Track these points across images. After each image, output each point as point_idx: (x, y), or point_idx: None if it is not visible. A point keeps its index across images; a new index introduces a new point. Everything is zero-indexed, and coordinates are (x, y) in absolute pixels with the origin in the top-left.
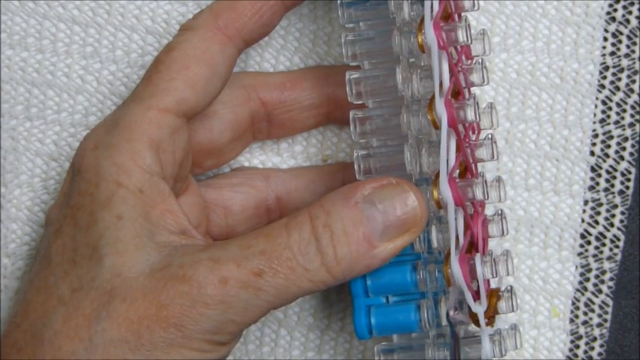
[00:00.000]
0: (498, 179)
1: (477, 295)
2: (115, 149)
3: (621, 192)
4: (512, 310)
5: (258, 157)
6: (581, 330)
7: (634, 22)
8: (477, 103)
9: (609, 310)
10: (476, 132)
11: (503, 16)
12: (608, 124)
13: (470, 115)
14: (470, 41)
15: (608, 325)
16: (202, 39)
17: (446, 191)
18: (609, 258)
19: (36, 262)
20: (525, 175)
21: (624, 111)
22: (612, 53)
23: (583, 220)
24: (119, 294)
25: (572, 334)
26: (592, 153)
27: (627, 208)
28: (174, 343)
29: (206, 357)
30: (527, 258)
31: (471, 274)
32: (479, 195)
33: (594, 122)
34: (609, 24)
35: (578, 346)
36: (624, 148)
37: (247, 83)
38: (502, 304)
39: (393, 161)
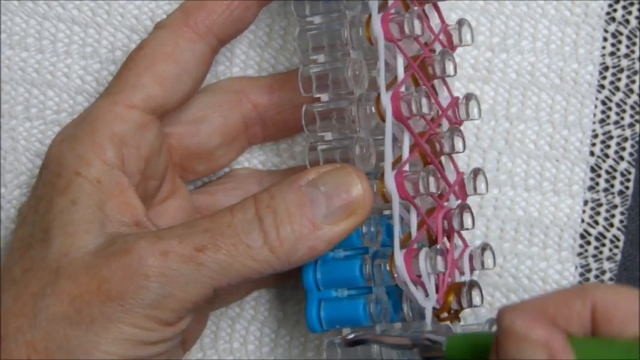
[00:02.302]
0: (475, 172)
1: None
2: (78, 141)
3: (621, 192)
4: (470, 305)
5: (258, 157)
6: None
7: (634, 22)
8: (428, 94)
9: None
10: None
11: (503, 17)
12: (608, 124)
13: (417, 107)
14: (421, 33)
15: None
16: (172, 37)
17: (390, 185)
18: (609, 258)
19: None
20: (525, 175)
21: (624, 111)
22: (612, 53)
23: (583, 221)
24: (64, 272)
25: None
26: (592, 153)
27: (627, 209)
28: (114, 318)
29: (148, 336)
30: (527, 258)
31: (432, 268)
32: (432, 188)
33: (594, 122)
34: (609, 24)
35: None
36: (624, 149)
37: (238, 88)
38: (468, 299)
39: (344, 155)
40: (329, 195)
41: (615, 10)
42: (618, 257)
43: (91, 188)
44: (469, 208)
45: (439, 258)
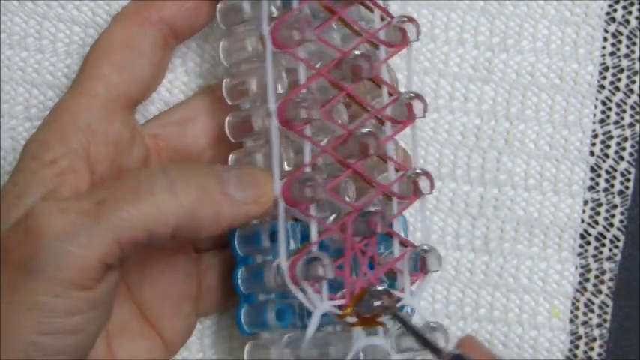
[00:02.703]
0: (418, 173)
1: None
2: (42, 130)
3: (621, 192)
4: (369, 312)
5: None
6: (581, 330)
7: (634, 22)
8: (316, 100)
9: (609, 310)
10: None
11: (503, 17)
12: (608, 124)
13: (296, 114)
14: (312, 38)
15: (607, 325)
16: (125, 26)
17: (277, 190)
18: (609, 258)
19: None
20: (525, 175)
21: (624, 111)
22: (612, 54)
23: (583, 221)
24: None
25: (571, 335)
26: (591, 153)
27: (627, 209)
28: (20, 287)
29: (60, 304)
30: (527, 258)
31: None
32: (319, 194)
33: (594, 122)
34: (609, 24)
35: (577, 347)
36: (624, 149)
37: None
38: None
39: (250, 164)
40: (240, 178)
41: (615, 11)
42: (618, 257)
43: (40, 169)
44: (377, 213)
45: (316, 265)
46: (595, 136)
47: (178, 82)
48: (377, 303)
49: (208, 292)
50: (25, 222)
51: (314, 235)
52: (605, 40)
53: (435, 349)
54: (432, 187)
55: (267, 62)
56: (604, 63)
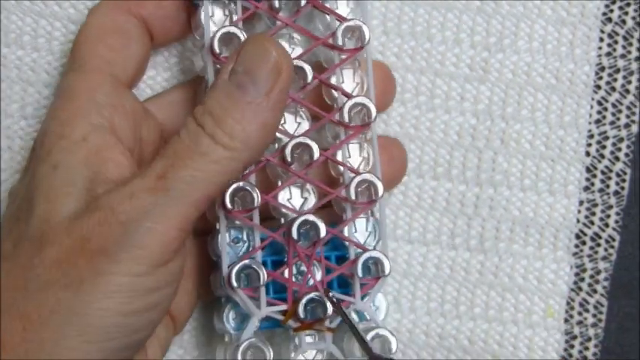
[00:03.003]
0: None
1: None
2: (60, 110)
3: (616, 192)
4: (307, 318)
5: None
6: (576, 330)
7: (630, 22)
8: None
9: (604, 310)
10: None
11: (500, 17)
12: (604, 124)
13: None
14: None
15: (602, 325)
16: (108, 14)
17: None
18: (604, 258)
19: None
20: (521, 175)
21: (620, 112)
22: (608, 54)
23: (578, 221)
24: (48, 240)
25: (566, 334)
26: (587, 153)
27: (623, 209)
28: (102, 271)
29: (140, 283)
30: (522, 258)
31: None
32: (248, 204)
33: (590, 123)
34: (605, 25)
35: (572, 346)
36: (620, 149)
37: None
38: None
39: None
40: (251, 71)
41: (612, 11)
42: (613, 257)
43: (74, 148)
44: (316, 220)
45: (249, 272)
46: (591, 137)
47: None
48: (302, 311)
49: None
50: (96, 213)
51: (257, 242)
52: (601, 40)
53: (371, 354)
54: (382, 192)
55: (208, 72)
56: (600, 63)
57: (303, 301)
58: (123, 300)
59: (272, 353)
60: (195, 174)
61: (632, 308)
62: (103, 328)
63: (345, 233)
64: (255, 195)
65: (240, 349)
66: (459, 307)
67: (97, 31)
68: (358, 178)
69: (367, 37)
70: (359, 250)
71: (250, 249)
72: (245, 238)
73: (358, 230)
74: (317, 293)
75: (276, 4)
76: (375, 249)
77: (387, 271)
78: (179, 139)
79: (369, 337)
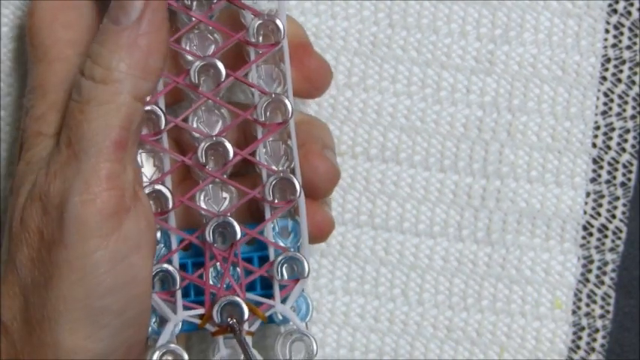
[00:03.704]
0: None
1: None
2: (34, 107)
3: (623, 184)
4: (222, 322)
5: None
6: (584, 321)
7: (635, 14)
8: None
9: (612, 301)
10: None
11: (505, 9)
12: (610, 116)
13: (152, 127)
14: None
15: (610, 316)
16: None
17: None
18: (611, 249)
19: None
20: (527, 167)
21: (626, 103)
22: (614, 45)
23: (585, 212)
24: (20, 240)
25: (574, 326)
26: (594, 145)
27: (629, 200)
28: (60, 262)
29: (100, 257)
30: (530, 250)
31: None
32: (165, 206)
33: (596, 114)
34: (611, 16)
35: (580, 338)
36: (626, 140)
37: None
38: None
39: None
40: (121, 3)
41: (617, 2)
42: (620, 248)
43: (50, 143)
44: (231, 222)
45: (166, 275)
46: (597, 128)
47: None
48: (216, 314)
49: None
50: (35, 203)
51: (174, 245)
52: (607, 31)
53: None
54: (300, 192)
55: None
56: (606, 55)
57: (216, 306)
58: (92, 282)
59: (187, 358)
60: (92, 125)
61: (632, 308)
62: (90, 318)
63: (268, 234)
64: (169, 196)
65: (155, 354)
66: (467, 300)
67: (48, 11)
68: (273, 178)
69: (282, 32)
70: (279, 251)
71: (167, 252)
72: (162, 240)
73: (281, 231)
74: (232, 297)
75: (188, 2)
76: (292, 250)
77: (305, 273)
78: (71, 99)
79: (289, 340)
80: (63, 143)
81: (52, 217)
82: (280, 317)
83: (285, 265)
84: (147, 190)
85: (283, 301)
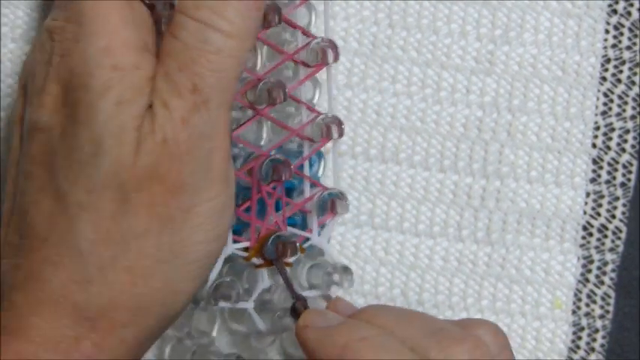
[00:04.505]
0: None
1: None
2: (94, 38)
3: (623, 184)
4: (272, 257)
5: None
6: (584, 321)
7: (635, 14)
8: None
9: (611, 301)
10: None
11: (505, 9)
12: (610, 116)
13: None
14: None
15: (610, 316)
16: None
17: None
18: (611, 249)
19: (32, 169)
20: (527, 167)
21: (626, 103)
22: (614, 46)
23: (585, 212)
24: (130, 186)
25: (574, 326)
26: (594, 145)
27: (629, 200)
28: (186, 206)
29: (218, 203)
30: (530, 250)
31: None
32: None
33: (596, 114)
34: (611, 16)
35: (580, 337)
36: (626, 141)
37: None
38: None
39: None
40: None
41: (617, 2)
42: (620, 249)
43: (131, 78)
44: (283, 160)
45: None
46: (597, 128)
47: None
48: (271, 248)
49: None
50: (160, 148)
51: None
52: (607, 32)
53: (293, 293)
54: (341, 131)
55: None
56: (606, 55)
57: (270, 240)
58: (208, 227)
59: (241, 288)
60: (221, 75)
61: (632, 308)
62: (199, 262)
63: (305, 170)
64: None
65: (208, 285)
66: (467, 300)
67: None
68: (319, 118)
69: (334, 56)
70: (314, 186)
71: None
72: None
73: (313, 167)
74: (282, 232)
75: None
76: (333, 188)
77: (344, 209)
78: (184, 44)
79: (327, 270)
80: (185, 88)
81: (183, 163)
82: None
83: (323, 201)
84: None
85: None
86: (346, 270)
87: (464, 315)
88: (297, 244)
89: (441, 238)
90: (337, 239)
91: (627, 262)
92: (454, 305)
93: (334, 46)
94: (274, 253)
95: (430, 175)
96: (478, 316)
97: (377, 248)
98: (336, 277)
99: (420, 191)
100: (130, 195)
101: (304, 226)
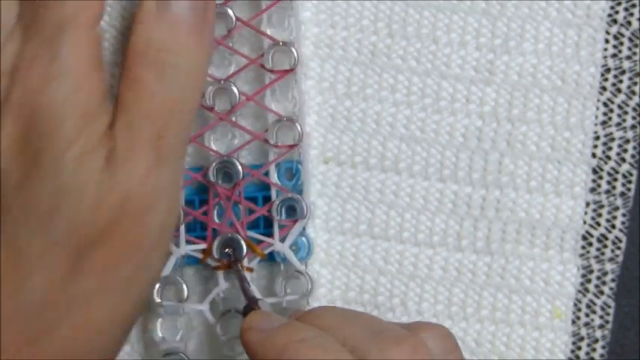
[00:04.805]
0: None
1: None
2: (65, 77)
3: (622, 194)
4: (222, 257)
5: None
6: (583, 331)
7: (635, 24)
8: None
9: (611, 311)
10: None
11: (505, 19)
12: (610, 126)
13: None
14: None
15: (609, 326)
16: None
17: None
18: (611, 259)
19: None
20: (527, 177)
21: (626, 113)
22: (614, 55)
23: (584, 222)
24: (87, 244)
25: (573, 336)
26: (593, 155)
27: (629, 210)
28: (142, 267)
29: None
30: (529, 259)
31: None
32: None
33: (596, 124)
34: (611, 26)
35: (579, 348)
36: (626, 150)
37: None
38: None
39: None
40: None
41: (617, 12)
42: (620, 258)
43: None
44: (235, 163)
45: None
46: (597, 138)
47: None
48: (217, 250)
49: None
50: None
51: (180, 183)
52: (606, 41)
53: (246, 296)
54: (299, 136)
55: None
56: (606, 65)
57: (216, 241)
58: (156, 275)
59: (187, 289)
60: (183, 122)
61: (632, 308)
62: (141, 311)
63: (272, 176)
64: None
65: (157, 284)
66: (466, 310)
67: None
68: (279, 123)
69: (297, 60)
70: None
71: None
72: None
73: (285, 173)
74: (232, 233)
75: None
76: (292, 192)
77: (304, 214)
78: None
79: (285, 277)
80: (147, 138)
81: (144, 224)
82: (283, 256)
83: (286, 206)
84: None
85: (282, 240)
86: (301, 277)
87: (463, 325)
88: (246, 248)
89: (440, 248)
90: (337, 249)
91: (628, 261)
92: (453, 315)
93: (291, 52)
94: (226, 255)
95: (430, 185)
96: (477, 326)
97: (376, 258)
98: (289, 285)
99: (419, 201)
100: (85, 253)
101: (271, 232)
